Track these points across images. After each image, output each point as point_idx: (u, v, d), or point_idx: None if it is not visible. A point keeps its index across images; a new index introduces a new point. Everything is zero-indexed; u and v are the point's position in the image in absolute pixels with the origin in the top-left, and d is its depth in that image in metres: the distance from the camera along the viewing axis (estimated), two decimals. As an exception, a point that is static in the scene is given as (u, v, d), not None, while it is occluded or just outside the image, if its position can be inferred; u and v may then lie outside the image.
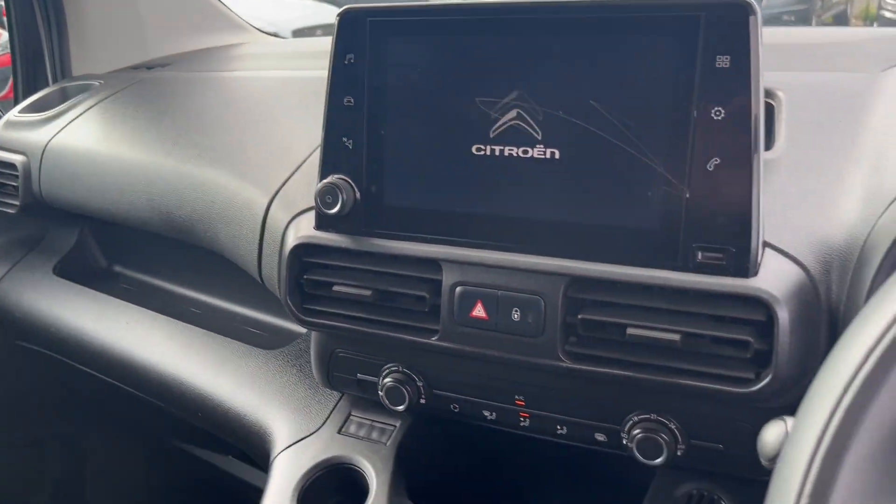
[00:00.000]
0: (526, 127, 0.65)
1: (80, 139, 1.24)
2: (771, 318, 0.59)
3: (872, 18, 7.32)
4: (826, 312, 0.61)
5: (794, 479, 0.35)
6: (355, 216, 0.73)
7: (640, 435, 0.67)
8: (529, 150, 0.65)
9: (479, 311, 0.68)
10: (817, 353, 0.60)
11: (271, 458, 0.86)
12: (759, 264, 0.60)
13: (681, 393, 0.64)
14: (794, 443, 0.37)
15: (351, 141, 0.72)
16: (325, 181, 0.72)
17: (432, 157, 0.69)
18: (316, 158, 0.75)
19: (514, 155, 0.66)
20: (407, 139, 0.70)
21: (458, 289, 0.69)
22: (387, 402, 0.78)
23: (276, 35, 1.97)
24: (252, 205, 0.91)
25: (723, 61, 0.58)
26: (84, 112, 1.29)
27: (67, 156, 1.23)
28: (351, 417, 0.87)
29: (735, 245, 0.59)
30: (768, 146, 0.72)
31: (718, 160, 0.59)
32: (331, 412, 0.88)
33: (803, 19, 6.67)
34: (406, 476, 0.80)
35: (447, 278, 0.69)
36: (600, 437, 0.72)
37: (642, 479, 0.75)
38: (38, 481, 1.51)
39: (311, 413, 0.89)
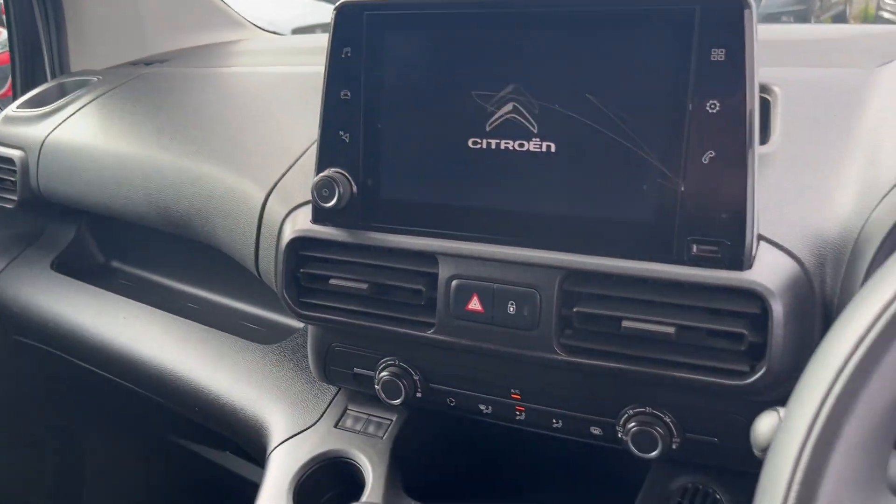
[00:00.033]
0: (522, 120, 0.65)
1: (77, 134, 1.24)
2: (765, 310, 0.59)
3: (871, 19, 7.32)
4: (820, 305, 0.61)
5: (785, 467, 0.36)
6: (352, 210, 0.73)
7: (635, 428, 0.67)
8: (525, 143, 0.65)
9: (475, 305, 0.69)
10: (811, 345, 0.61)
11: (268, 452, 0.86)
12: (754, 257, 0.60)
13: (676, 386, 0.64)
14: (785, 431, 0.37)
15: (347, 134, 0.72)
16: (321, 174, 0.72)
17: (429, 151, 0.69)
18: (313, 153, 0.75)
19: (511, 148, 0.66)
20: (403, 132, 0.70)
21: (454, 282, 0.69)
22: (383, 395, 0.78)
23: (275, 34, 1.97)
24: (249, 199, 0.91)
25: (718, 54, 0.58)
26: (82, 107, 1.29)
27: (65, 151, 1.23)
28: (348, 412, 0.87)
29: (730, 238, 0.59)
30: (764, 140, 0.72)
31: (713, 153, 0.59)
32: (327, 406, 0.88)
33: (802, 20, 6.67)
34: (402, 470, 0.80)
35: (443, 272, 0.70)
36: (596, 430, 0.72)
37: (637, 473, 0.75)
38: (36, 477, 1.51)
39: (307, 407, 0.89)
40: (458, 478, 0.91)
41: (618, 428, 0.69)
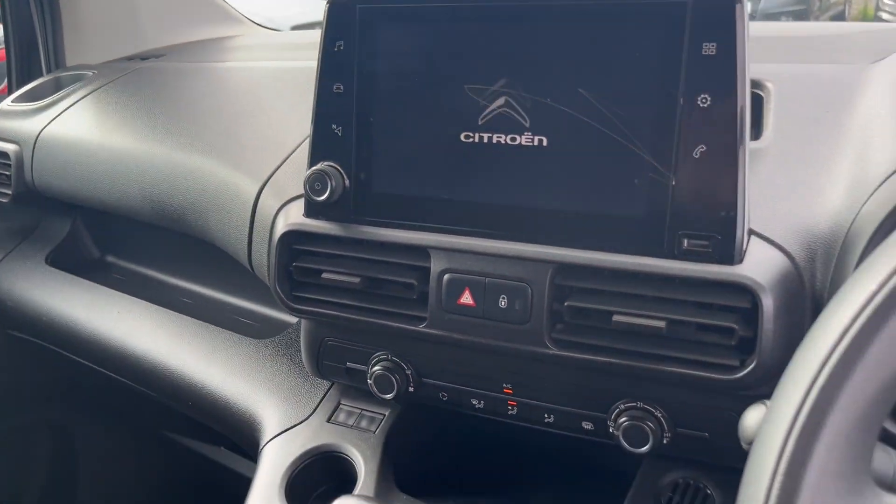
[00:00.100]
0: (514, 114, 0.65)
1: (72, 128, 1.24)
2: (756, 305, 0.59)
3: (870, 20, 7.32)
4: (810, 299, 0.61)
5: (769, 457, 0.36)
6: (344, 203, 0.73)
7: (626, 423, 0.67)
8: (517, 137, 0.65)
9: (466, 299, 0.69)
10: (801, 340, 0.61)
11: (260, 446, 0.86)
12: (745, 252, 0.60)
13: (666, 381, 0.64)
14: (769, 422, 0.37)
15: (340, 128, 0.72)
16: (314, 168, 0.72)
17: (421, 145, 0.69)
18: (306, 147, 0.75)
19: (503, 142, 0.66)
20: (396, 126, 0.70)
21: (446, 276, 0.69)
22: (375, 390, 0.79)
23: (273, 30, 1.97)
24: (242, 193, 0.91)
25: (709, 49, 0.58)
26: (77, 101, 1.28)
27: (60, 145, 1.23)
28: (340, 406, 0.87)
29: (721, 232, 0.59)
30: (756, 136, 0.72)
31: (704, 147, 0.59)
32: (320, 401, 0.88)
33: (801, 20, 6.68)
34: (394, 464, 0.80)
35: (435, 265, 0.70)
36: (587, 425, 0.72)
37: (629, 468, 0.75)
38: (30, 470, 1.51)
39: (300, 402, 0.89)
40: (450, 472, 0.91)
41: (609, 423, 0.69)
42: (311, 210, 0.75)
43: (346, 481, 0.79)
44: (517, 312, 0.67)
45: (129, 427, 1.56)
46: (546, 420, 0.74)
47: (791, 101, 0.75)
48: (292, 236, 0.76)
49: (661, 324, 0.61)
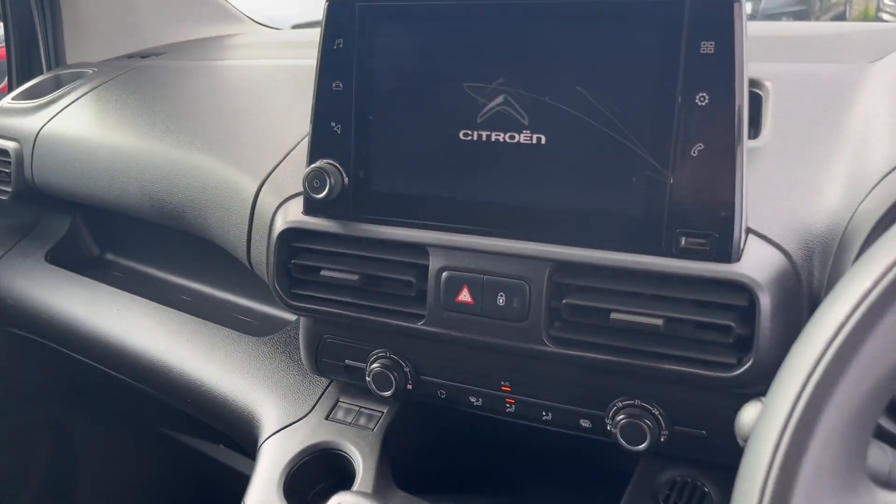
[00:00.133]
0: (513, 112, 0.65)
1: (72, 126, 1.24)
2: (753, 303, 0.59)
3: (871, 20, 7.32)
4: (807, 298, 0.61)
5: (765, 452, 0.36)
6: (343, 201, 0.73)
7: (624, 421, 0.68)
8: (516, 135, 0.66)
9: (464, 296, 0.69)
10: (798, 338, 0.61)
11: (259, 443, 0.86)
12: (742, 250, 0.60)
13: (664, 378, 0.65)
14: (765, 417, 0.37)
15: (339, 126, 0.72)
16: (313, 166, 0.72)
17: (420, 143, 0.70)
18: (306, 145, 0.75)
19: (501, 140, 0.66)
20: (395, 124, 0.70)
21: (445, 274, 0.69)
22: (374, 387, 0.79)
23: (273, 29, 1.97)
24: (242, 190, 0.91)
25: (707, 47, 0.58)
26: (77, 99, 1.29)
27: (60, 142, 1.23)
28: (339, 404, 0.87)
29: (718, 231, 0.60)
30: (755, 135, 0.73)
31: (702, 146, 0.59)
32: (319, 398, 0.88)
33: (801, 21, 6.67)
34: (392, 461, 0.80)
35: (434, 263, 0.70)
36: (585, 423, 0.72)
37: (626, 466, 0.76)
38: (29, 468, 1.51)
39: (299, 399, 0.89)
40: (448, 470, 0.91)
41: (607, 420, 0.69)
42: (310, 208, 0.75)
43: (345, 478, 0.79)
44: (515, 310, 0.67)
45: (128, 424, 1.57)
46: (544, 418, 0.74)
47: (789, 101, 0.75)
48: (291, 234, 0.76)
49: (659, 322, 0.61)
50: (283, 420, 0.87)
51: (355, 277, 0.73)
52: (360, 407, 0.86)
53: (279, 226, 0.77)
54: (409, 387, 0.78)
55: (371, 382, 0.79)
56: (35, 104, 1.32)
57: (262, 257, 0.87)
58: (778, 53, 0.88)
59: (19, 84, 1.50)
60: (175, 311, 1.11)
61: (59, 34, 1.54)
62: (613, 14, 0.61)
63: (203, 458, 1.49)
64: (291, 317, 1.04)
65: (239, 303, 1.18)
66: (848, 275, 0.38)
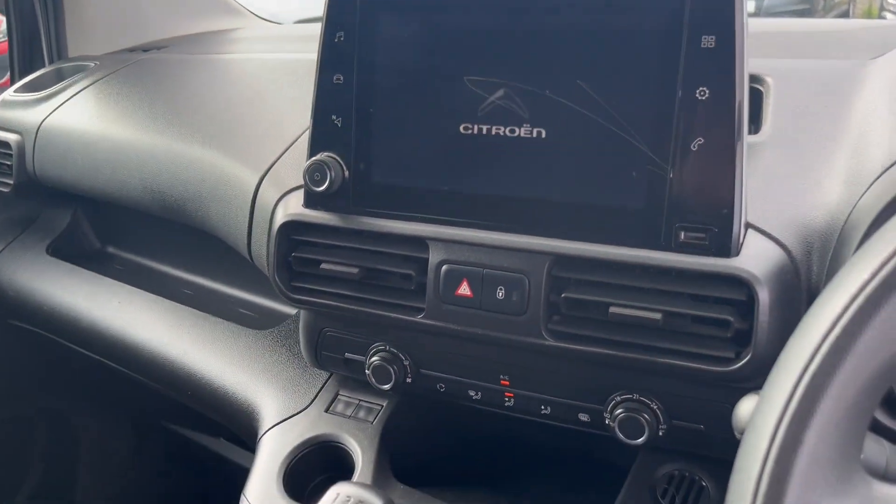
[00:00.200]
0: (513, 106, 0.65)
1: (74, 119, 1.24)
2: (751, 297, 0.59)
3: (874, 19, 7.30)
4: (806, 292, 0.61)
5: (760, 443, 0.36)
6: (344, 194, 0.73)
7: (622, 415, 0.68)
8: (516, 129, 0.66)
9: (464, 290, 0.69)
10: (796, 331, 0.61)
11: (259, 435, 0.86)
12: (741, 245, 0.60)
13: (663, 373, 0.65)
14: (761, 409, 0.37)
15: (340, 119, 0.72)
16: (313, 158, 0.72)
17: (420, 136, 0.70)
18: (307, 138, 0.75)
19: (502, 134, 0.66)
20: (395, 117, 0.70)
21: (444, 267, 0.69)
22: (373, 380, 0.79)
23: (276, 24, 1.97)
24: (242, 183, 0.91)
25: (708, 41, 0.58)
26: (79, 92, 1.29)
27: (61, 135, 1.23)
28: (339, 397, 0.88)
29: (717, 225, 0.60)
30: (755, 130, 0.73)
31: (702, 140, 0.59)
32: (319, 391, 0.89)
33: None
34: (391, 454, 0.81)
35: (433, 256, 0.70)
36: (583, 417, 0.72)
37: (624, 460, 0.76)
38: (29, 461, 1.52)
39: (299, 392, 0.89)
40: (447, 463, 0.92)
41: (605, 414, 0.70)
42: (311, 201, 0.75)
43: (344, 471, 0.79)
44: (514, 303, 0.67)
45: (128, 417, 1.57)
46: (543, 411, 0.74)
47: (790, 96, 0.75)
48: (291, 227, 0.76)
49: (658, 316, 0.61)
50: (282, 413, 0.87)
51: (355, 270, 0.73)
52: (360, 400, 0.86)
53: (280, 218, 0.77)
54: (409, 380, 0.78)
55: (371, 376, 0.79)
56: (37, 97, 1.33)
57: (262, 250, 0.87)
58: (779, 49, 0.88)
59: (21, 77, 1.51)
60: (176, 304, 1.11)
61: (60, 27, 1.54)
62: (614, 8, 0.61)
63: (203, 450, 1.49)
64: (291, 310, 1.04)
65: (239, 296, 1.18)
66: (845, 267, 0.38)
